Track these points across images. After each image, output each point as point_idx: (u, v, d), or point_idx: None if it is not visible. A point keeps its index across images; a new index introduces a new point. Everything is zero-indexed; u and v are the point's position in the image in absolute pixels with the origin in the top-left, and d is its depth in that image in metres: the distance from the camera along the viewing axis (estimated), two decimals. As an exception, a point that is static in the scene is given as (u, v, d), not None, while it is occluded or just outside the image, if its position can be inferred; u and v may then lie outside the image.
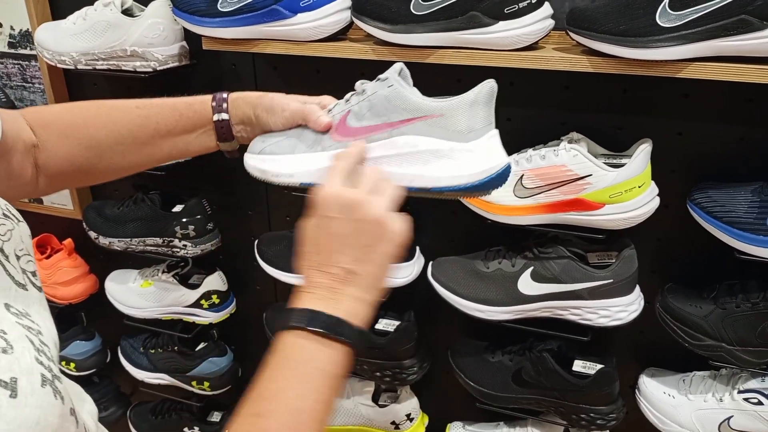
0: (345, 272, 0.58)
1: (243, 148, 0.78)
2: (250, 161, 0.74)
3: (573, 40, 0.92)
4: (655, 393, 1.13)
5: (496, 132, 0.67)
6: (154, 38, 1.15)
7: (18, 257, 0.50)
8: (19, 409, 0.36)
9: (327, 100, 0.75)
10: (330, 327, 0.56)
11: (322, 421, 0.54)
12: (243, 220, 1.42)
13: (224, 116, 0.77)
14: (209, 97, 0.78)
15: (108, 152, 0.76)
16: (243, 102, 0.77)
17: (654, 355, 1.20)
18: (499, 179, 0.66)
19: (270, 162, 0.73)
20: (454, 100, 0.65)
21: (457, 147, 0.65)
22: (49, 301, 1.61)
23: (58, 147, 0.73)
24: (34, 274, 0.52)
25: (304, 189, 0.70)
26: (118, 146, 0.76)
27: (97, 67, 1.21)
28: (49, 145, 0.73)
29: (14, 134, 0.68)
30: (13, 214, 0.53)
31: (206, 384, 1.50)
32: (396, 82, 0.67)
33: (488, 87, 0.65)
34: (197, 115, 0.78)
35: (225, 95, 0.78)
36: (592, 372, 1.16)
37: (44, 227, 1.59)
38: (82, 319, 1.64)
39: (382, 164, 0.67)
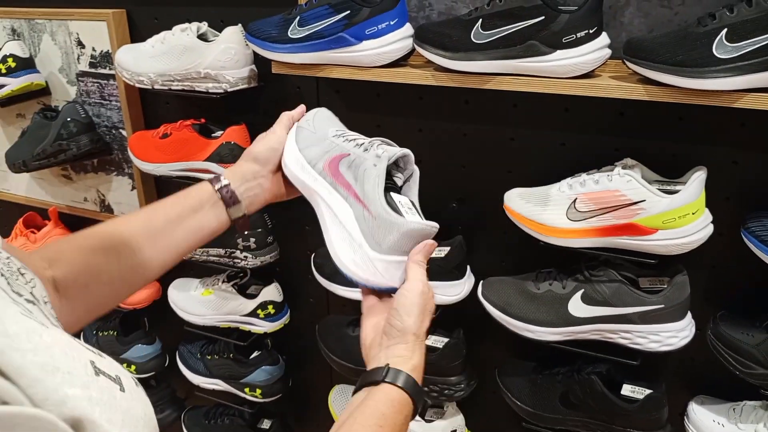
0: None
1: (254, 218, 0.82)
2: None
3: (629, 69, 0.95)
4: (705, 421, 1.13)
5: (404, 260, 0.73)
6: (227, 62, 1.23)
7: (45, 303, 0.52)
8: (128, 402, 0.38)
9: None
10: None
11: None
12: (300, 235, 1.47)
13: (224, 182, 0.80)
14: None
15: (124, 250, 0.74)
16: (236, 165, 0.82)
17: (704, 382, 1.19)
18: (377, 289, 0.75)
19: (291, 145, 0.82)
20: (396, 219, 0.72)
21: (364, 248, 0.73)
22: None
23: (72, 257, 0.71)
24: (57, 318, 0.53)
25: None
26: (132, 242, 0.74)
27: (173, 88, 1.30)
28: (63, 259, 0.70)
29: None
30: (27, 270, 0.54)
31: (258, 391, 1.56)
32: (379, 167, 0.75)
33: (426, 231, 0.73)
34: (200, 193, 0.80)
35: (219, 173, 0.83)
36: (641, 397, 1.16)
37: (113, 236, 1.68)
38: (145, 323, 1.72)
39: (325, 209, 0.77)
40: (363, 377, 0.68)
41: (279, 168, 0.82)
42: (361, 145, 0.79)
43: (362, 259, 0.73)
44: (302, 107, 0.86)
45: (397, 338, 0.69)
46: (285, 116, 0.85)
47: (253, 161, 0.81)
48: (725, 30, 0.87)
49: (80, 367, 0.35)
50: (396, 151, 0.77)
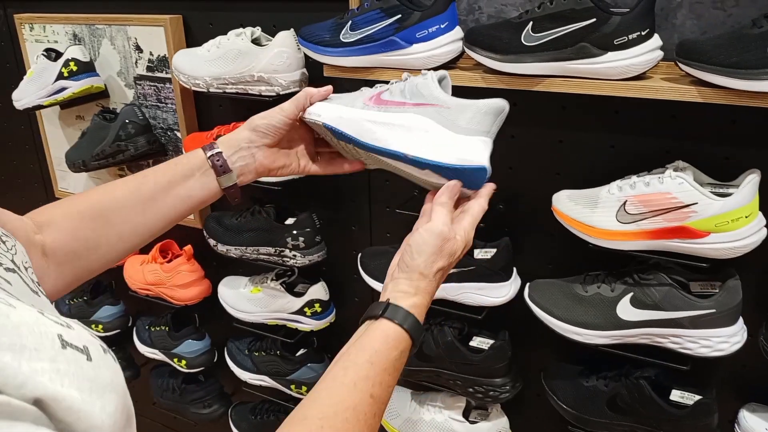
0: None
1: (246, 190, 0.84)
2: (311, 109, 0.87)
3: (682, 70, 0.94)
4: (756, 429, 1.11)
5: (489, 141, 0.78)
6: (279, 65, 1.26)
7: (26, 268, 0.53)
8: (95, 370, 0.39)
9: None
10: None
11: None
12: (347, 235, 1.50)
13: (216, 149, 0.80)
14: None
15: (113, 217, 0.75)
16: (234, 132, 0.83)
17: (756, 389, 1.17)
18: (469, 174, 0.77)
19: (321, 109, 0.85)
20: (466, 101, 0.78)
21: (446, 133, 0.77)
22: (166, 301, 1.75)
23: (62, 223, 0.72)
24: (38, 283, 0.54)
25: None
26: (122, 210, 0.75)
27: (227, 91, 1.34)
28: (53, 224, 0.71)
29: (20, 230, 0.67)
30: (9, 236, 0.55)
31: (304, 388, 1.59)
32: (430, 77, 0.81)
33: (498, 104, 0.78)
34: (191, 160, 0.80)
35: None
36: (691, 402, 1.14)
37: (166, 234, 1.73)
38: (195, 320, 1.77)
39: (385, 129, 0.79)
40: (367, 310, 0.70)
41: (275, 144, 0.84)
42: (394, 82, 0.85)
43: (448, 143, 0.77)
44: (329, 87, 0.87)
45: (405, 273, 0.71)
46: (302, 93, 0.84)
47: (251, 130, 0.83)
48: (782, 31, 0.86)
49: (47, 342, 0.36)
50: (442, 72, 0.84)
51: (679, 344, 1.08)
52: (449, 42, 1.07)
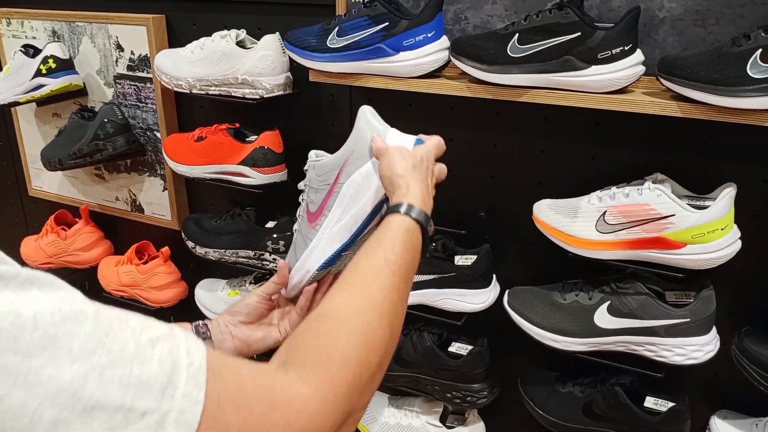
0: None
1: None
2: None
3: (663, 85, 0.97)
4: (728, 436, 1.14)
5: (391, 130, 0.84)
6: (264, 68, 1.26)
7: None
8: None
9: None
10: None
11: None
12: (327, 240, 1.50)
13: (205, 321, 0.87)
14: None
15: None
16: (219, 315, 0.90)
17: (727, 397, 1.20)
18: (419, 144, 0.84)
19: (294, 273, 0.89)
20: (350, 141, 0.84)
21: (371, 164, 0.82)
22: (141, 303, 1.73)
23: None
24: None
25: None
26: None
27: (210, 93, 1.33)
28: None
29: None
30: None
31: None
32: (313, 162, 0.87)
33: (362, 115, 0.84)
34: (182, 326, 0.85)
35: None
36: (664, 409, 1.17)
37: (142, 235, 1.72)
38: (171, 321, 1.75)
39: (351, 217, 0.83)
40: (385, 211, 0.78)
41: (249, 321, 0.89)
42: (305, 185, 0.90)
43: (373, 180, 0.82)
44: (283, 274, 0.91)
45: (394, 188, 0.77)
46: (269, 283, 0.91)
47: (228, 312, 0.90)
48: (760, 50, 0.89)
49: None
50: (312, 154, 0.89)
51: (654, 352, 1.11)
52: (436, 51, 1.08)
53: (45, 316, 0.37)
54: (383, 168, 0.80)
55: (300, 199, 0.90)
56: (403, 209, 0.74)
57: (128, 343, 0.40)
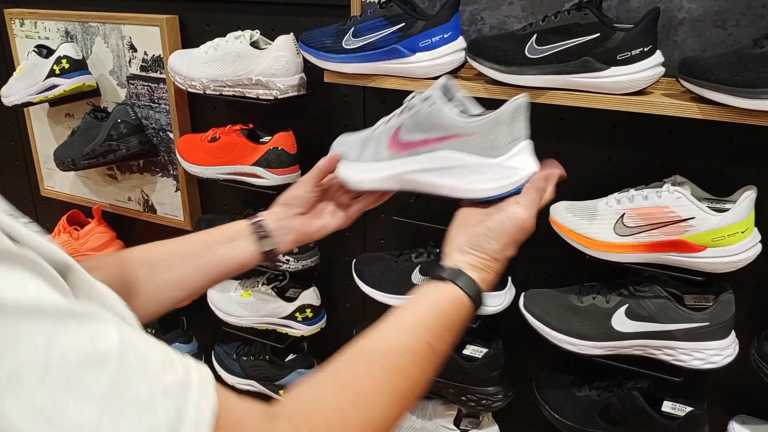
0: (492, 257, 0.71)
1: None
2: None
3: (683, 87, 0.95)
4: (746, 440, 1.13)
5: (525, 143, 0.73)
6: (278, 69, 1.26)
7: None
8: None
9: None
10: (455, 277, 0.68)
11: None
12: (340, 241, 1.49)
13: (259, 218, 0.87)
14: None
15: (157, 268, 0.79)
16: (271, 207, 0.89)
17: (745, 402, 1.19)
18: (521, 189, 0.73)
19: (344, 167, 0.86)
20: (483, 120, 0.73)
21: (487, 162, 0.73)
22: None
23: (109, 266, 0.76)
24: None
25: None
26: (167, 261, 0.80)
27: (224, 93, 1.33)
28: (101, 266, 0.75)
29: None
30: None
31: (293, 394, 1.57)
32: (437, 100, 0.75)
33: (517, 107, 0.72)
34: (236, 226, 0.86)
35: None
36: (682, 414, 1.16)
37: (154, 235, 1.71)
38: (183, 322, 1.75)
39: (427, 175, 0.77)
40: (432, 269, 0.71)
41: (304, 212, 0.89)
42: (397, 114, 0.81)
43: (494, 172, 0.73)
44: (334, 154, 0.89)
45: (477, 251, 0.70)
46: (315, 169, 0.89)
47: (281, 205, 0.89)
48: (782, 51, 0.88)
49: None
50: (441, 81, 0.77)
51: (672, 356, 1.09)
52: (452, 52, 1.08)
53: (72, 356, 0.38)
54: (500, 224, 0.71)
55: (400, 110, 0.82)
56: (473, 292, 0.67)
57: (143, 391, 0.40)
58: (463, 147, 0.74)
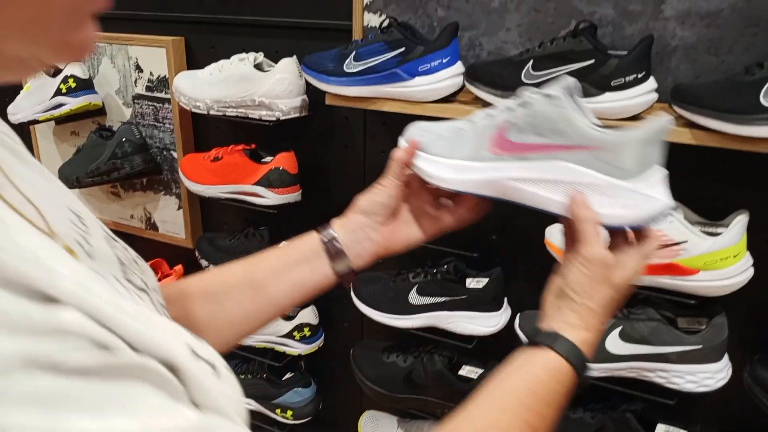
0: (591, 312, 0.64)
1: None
2: (400, 144, 0.75)
3: (676, 113, 0.98)
4: (741, 464, 1.13)
5: (661, 171, 0.64)
6: (281, 91, 1.28)
7: (156, 291, 0.54)
8: (220, 385, 0.40)
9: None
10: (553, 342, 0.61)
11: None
12: (339, 260, 1.51)
13: (331, 233, 0.75)
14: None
15: (225, 301, 0.71)
16: (345, 216, 0.76)
17: (739, 424, 1.20)
18: (654, 221, 0.64)
19: (425, 161, 0.72)
20: (622, 134, 0.63)
21: (617, 184, 0.63)
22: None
23: (177, 302, 0.68)
24: (165, 307, 0.54)
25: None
26: (233, 293, 0.71)
27: (227, 114, 1.35)
28: (169, 302, 0.69)
29: None
30: (140, 259, 0.56)
31: (289, 413, 1.58)
32: (566, 102, 0.64)
33: (660, 128, 0.63)
34: (306, 243, 0.75)
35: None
36: (676, 437, 1.16)
37: (156, 253, 1.74)
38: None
39: (535, 186, 0.67)
40: (529, 334, 0.64)
41: (389, 219, 0.76)
42: (509, 108, 0.68)
43: (624, 195, 0.63)
44: (414, 142, 0.74)
45: (570, 306, 0.64)
46: (393, 163, 0.75)
47: (360, 213, 0.76)
48: (772, 80, 0.90)
49: (183, 346, 0.37)
50: (569, 81, 0.66)
51: (665, 379, 1.10)
52: (451, 76, 1.10)
53: None
54: (576, 272, 0.63)
55: (503, 107, 0.70)
56: (574, 357, 0.60)
57: None
58: (588, 162, 0.64)
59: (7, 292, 0.29)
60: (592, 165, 0.64)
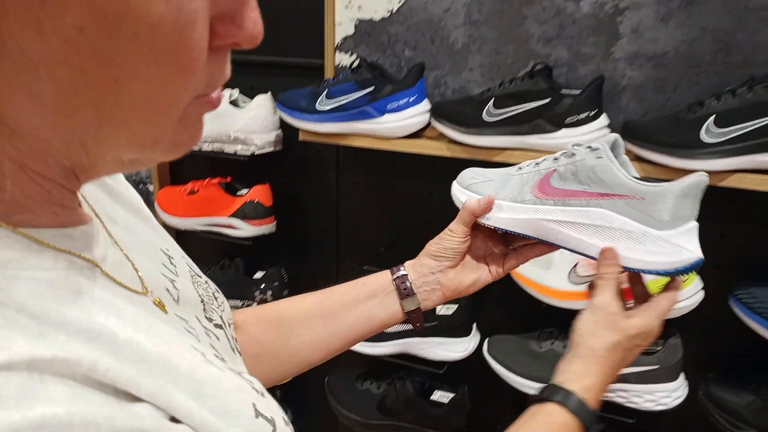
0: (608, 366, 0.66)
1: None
2: (456, 192, 0.80)
3: (626, 148, 1.04)
4: (699, 480, 1.18)
5: (695, 225, 0.67)
6: (256, 126, 1.33)
7: (229, 325, 0.57)
8: None
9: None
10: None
11: None
12: (314, 290, 1.54)
13: (402, 271, 0.78)
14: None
15: (296, 327, 0.75)
16: (417, 259, 0.79)
17: (698, 443, 1.25)
18: (682, 272, 0.68)
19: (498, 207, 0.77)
20: (661, 187, 0.67)
21: (650, 233, 0.67)
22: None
23: (251, 327, 0.72)
24: (236, 340, 0.57)
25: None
26: (305, 321, 0.75)
27: (203, 149, 1.40)
28: (243, 326, 0.71)
29: None
30: (219, 293, 0.60)
31: (265, 442, 1.59)
32: (606, 155, 0.69)
33: (699, 181, 0.66)
34: (377, 280, 0.78)
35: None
36: (638, 454, 1.21)
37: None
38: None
39: (571, 229, 0.71)
40: (538, 391, 0.66)
41: (454, 265, 0.78)
42: (555, 159, 0.74)
43: (657, 246, 0.67)
44: (490, 199, 0.76)
45: (576, 355, 0.67)
46: (465, 212, 0.78)
47: (430, 257, 0.79)
48: (713, 116, 0.97)
49: (246, 410, 0.41)
50: (611, 137, 0.72)
51: (625, 398, 1.16)
52: (418, 114, 1.16)
53: None
54: (582, 317, 0.68)
55: (549, 158, 0.76)
56: (575, 406, 0.62)
57: None
58: (624, 210, 0.68)
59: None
60: (628, 213, 0.68)
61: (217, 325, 0.53)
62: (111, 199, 0.51)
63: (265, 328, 0.72)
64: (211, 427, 0.37)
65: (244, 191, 1.45)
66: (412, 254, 0.80)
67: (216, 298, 0.59)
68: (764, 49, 1.02)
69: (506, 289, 1.30)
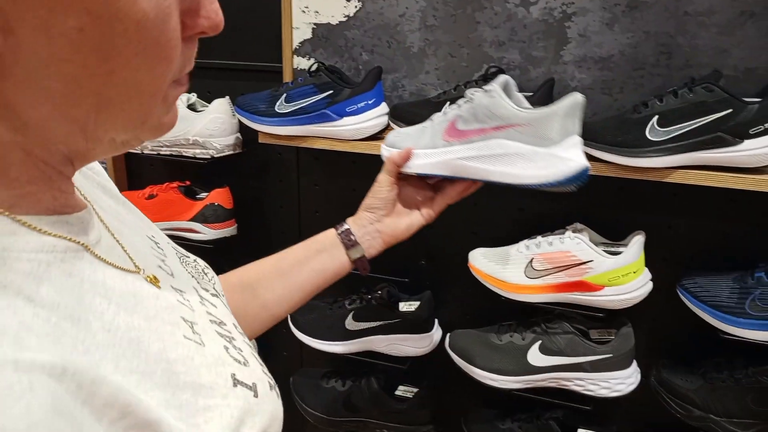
0: None
1: (374, 262, 0.93)
2: (383, 151, 0.95)
3: (577, 147, 1.09)
4: (652, 461, 1.24)
5: (579, 140, 0.79)
6: (214, 130, 1.34)
7: (223, 295, 0.63)
8: (260, 405, 0.48)
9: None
10: None
11: None
12: (276, 291, 1.56)
13: (345, 226, 0.92)
14: None
15: (258, 288, 0.84)
16: (356, 214, 0.93)
17: (651, 425, 1.31)
18: (572, 180, 0.79)
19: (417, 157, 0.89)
20: (545, 111, 0.78)
21: (539, 151, 0.78)
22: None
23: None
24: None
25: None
26: (265, 281, 0.84)
27: (161, 153, 1.39)
28: None
29: None
30: (209, 269, 0.67)
31: (232, 444, 1.60)
32: (498, 94, 0.81)
33: (574, 103, 0.78)
34: (326, 237, 0.91)
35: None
36: (595, 440, 1.27)
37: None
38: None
39: (478, 162, 0.82)
40: None
41: (388, 213, 0.92)
42: (458, 105, 0.86)
43: (546, 161, 0.78)
44: (409, 150, 0.92)
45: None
46: (388, 163, 0.93)
47: (366, 210, 0.93)
48: (656, 116, 1.02)
49: (221, 381, 0.45)
50: (500, 78, 0.83)
51: (582, 386, 1.21)
52: (376, 116, 1.19)
53: None
54: None
55: (454, 106, 0.89)
56: None
57: None
58: (517, 136, 0.79)
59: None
60: (520, 139, 0.79)
61: (213, 294, 0.57)
62: (99, 191, 0.55)
63: (231, 294, 0.78)
64: (186, 404, 0.41)
65: (203, 195, 1.45)
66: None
67: (206, 274, 0.63)
68: (703, 52, 1.08)
69: (465, 285, 1.34)
